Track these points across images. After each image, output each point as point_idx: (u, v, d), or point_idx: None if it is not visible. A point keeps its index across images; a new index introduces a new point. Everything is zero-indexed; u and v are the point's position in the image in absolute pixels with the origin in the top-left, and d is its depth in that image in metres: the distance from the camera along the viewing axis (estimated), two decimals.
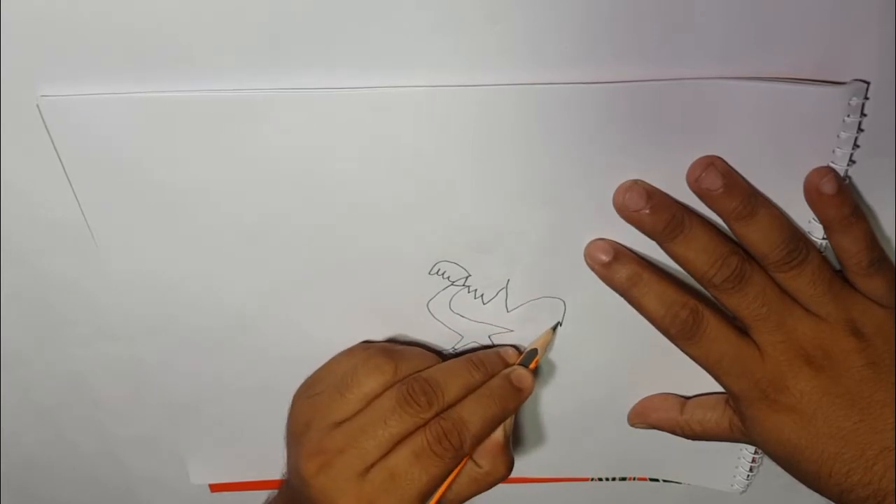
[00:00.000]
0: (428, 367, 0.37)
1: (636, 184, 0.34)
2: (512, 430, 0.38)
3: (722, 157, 0.33)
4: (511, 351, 0.39)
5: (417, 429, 0.35)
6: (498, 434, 0.37)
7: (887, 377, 0.33)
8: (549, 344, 0.39)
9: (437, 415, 0.35)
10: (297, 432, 0.37)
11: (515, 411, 0.38)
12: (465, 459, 0.37)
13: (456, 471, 0.36)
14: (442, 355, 0.40)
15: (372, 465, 0.35)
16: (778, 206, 0.34)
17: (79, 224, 0.36)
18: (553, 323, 0.39)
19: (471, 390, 0.37)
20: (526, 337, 0.40)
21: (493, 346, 0.40)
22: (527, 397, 0.38)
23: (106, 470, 0.49)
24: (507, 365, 0.38)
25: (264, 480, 0.48)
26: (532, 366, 0.38)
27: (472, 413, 0.36)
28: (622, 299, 0.36)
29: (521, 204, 0.35)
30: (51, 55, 0.31)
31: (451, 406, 0.36)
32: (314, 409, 0.37)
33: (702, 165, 0.33)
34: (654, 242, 0.35)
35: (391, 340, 0.40)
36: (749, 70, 0.31)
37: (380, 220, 0.36)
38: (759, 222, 0.33)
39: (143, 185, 0.34)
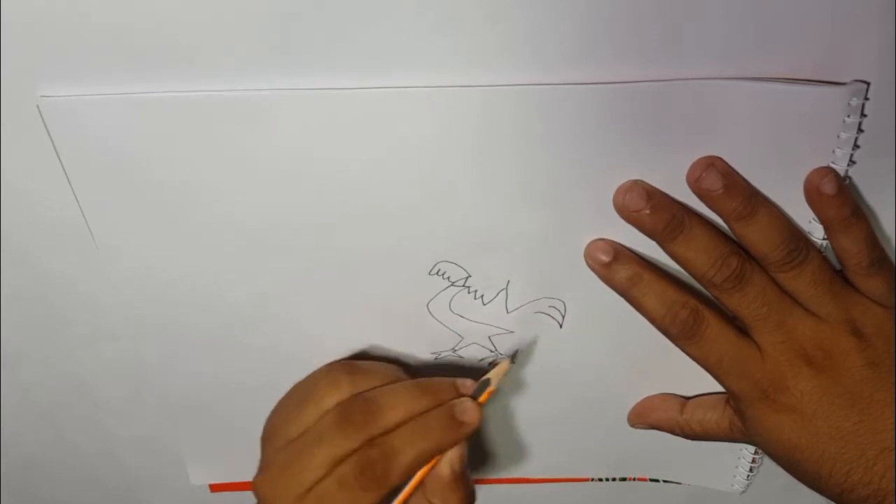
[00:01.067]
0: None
1: (636, 184, 0.34)
2: (463, 463, 0.35)
3: (722, 157, 0.33)
4: (469, 383, 0.36)
5: (352, 453, 0.34)
6: (443, 469, 0.35)
7: (887, 377, 0.33)
8: (504, 375, 0.37)
9: (369, 438, 0.34)
10: (263, 441, 0.38)
11: (454, 445, 0.35)
12: (409, 488, 0.35)
13: (401, 499, 0.35)
14: (411, 372, 0.38)
15: (309, 489, 0.34)
16: (778, 206, 0.34)
17: (79, 224, 0.36)
18: (513, 351, 0.39)
19: (412, 416, 0.34)
20: (526, 338, 0.40)
21: (493, 348, 0.40)
22: (470, 432, 0.35)
23: (106, 470, 0.49)
24: (459, 395, 0.36)
25: None
26: (483, 399, 0.36)
27: (405, 443, 0.34)
28: (622, 299, 0.36)
29: (521, 204, 0.35)
30: (51, 55, 0.31)
31: (388, 430, 0.34)
32: (278, 421, 0.37)
33: (702, 166, 0.33)
34: (654, 242, 0.35)
35: (391, 340, 0.40)
36: (749, 70, 0.31)
37: (380, 220, 0.36)
38: (760, 222, 0.33)
39: (143, 185, 0.34)
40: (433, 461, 0.35)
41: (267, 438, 0.37)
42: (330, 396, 0.35)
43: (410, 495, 0.35)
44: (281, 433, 0.36)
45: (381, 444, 0.34)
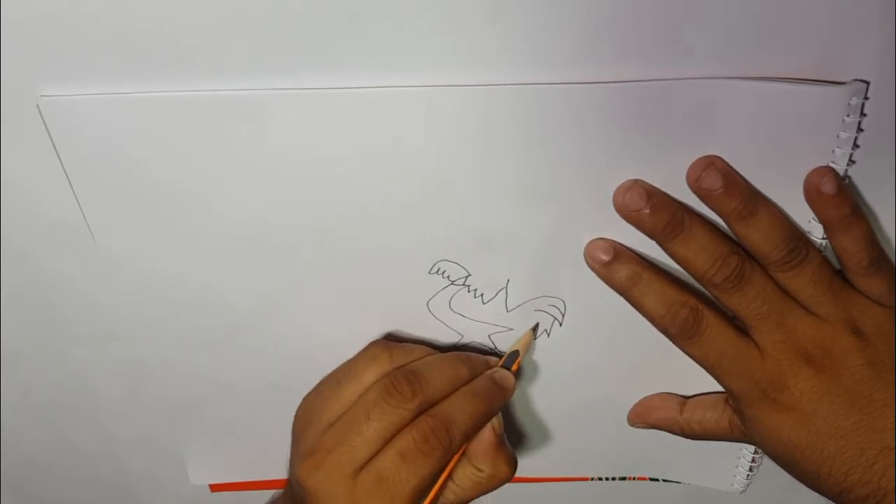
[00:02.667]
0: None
1: (636, 184, 0.34)
2: (502, 429, 0.37)
3: (722, 156, 0.33)
4: (493, 359, 0.39)
5: (404, 425, 0.34)
6: (488, 434, 0.36)
7: (887, 377, 0.33)
8: (529, 345, 0.39)
9: (420, 408, 0.34)
10: (297, 431, 0.37)
11: (500, 409, 0.37)
12: (455, 458, 0.36)
13: (448, 469, 0.36)
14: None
15: (363, 466, 0.34)
16: (778, 206, 0.34)
17: (79, 224, 0.36)
18: (534, 324, 0.39)
19: (456, 385, 0.36)
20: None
21: (493, 347, 0.40)
22: (509, 397, 0.37)
23: (106, 470, 0.49)
24: (490, 367, 0.38)
25: (264, 480, 0.48)
26: (514, 368, 0.38)
27: (460, 410, 0.35)
28: (622, 299, 0.36)
29: (521, 203, 0.35)
30: (51, 55, 0.31)
31: (435, 400, 0.35)
32: (315, 405, 0.36)
33: (702, 165, 0.33)
34: (654, 242, 0.35)
35: (392, 339, 0.40)
36: (749, 70, 0.31)
37: (380, 220, 0.36)
38: (759, 222, 0.33)
39: (142, 185, 0.34)
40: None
41: (303, 426, 0.36)
42: (370, 372, 0.36)
43: (456, 465, 0.36)
44: (321, 417, 0.35)
45: (436, 413, 0.34)
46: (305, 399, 0.38)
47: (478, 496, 0.37)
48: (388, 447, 0.34)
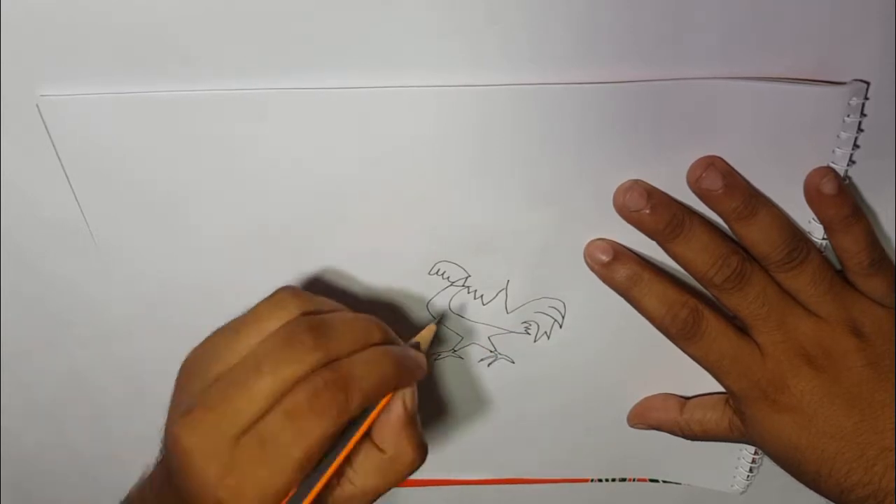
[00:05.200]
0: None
1: (636, 184, 0.34)
2: (416, 404, 0.32)
3: (722, 157, 0.33)
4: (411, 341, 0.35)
5: (302, 378, 0.29)
6: (397, 408, 0.31)
7: (887, 377, 0.33)
8: (431, 338, 0.36)
9: (320, 363, 0.29)
10: (180, 383, 0.32)
11: (410, 383, 0.32)
12: (356, 437, 0.31)
13: (347, 448, 0.30)
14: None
15: (248, 428, 0.28)
16: (778, 206, 0.34)
17: (79, 224, 0.36)
18: (437, 318, 0.37)
19: (367, 346, 0.31)
20: (526, 338, 0.40)
21: (493, 349, 0.40)
22: (420, 378, 0.33)
23: (106, 470, 0.49)
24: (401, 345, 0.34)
25: None
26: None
27: (364, 367, 0.30)
28: (622, 299, 0.36)
29: (520, 204, 0.35)
30: (51, 55, 0.31)
31: (339, 358, 0.30)
32: (205, 355, 0.31)
33: (702, 166, 0.33)
34: (654, 242, 0.35)
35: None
36: (749, 70, 0.31)
37: (379, 221, 0.36)
38: (760, 222, 0.33)
39: (143, 185, 0.34)
40: (386, 399, 0.31)
41: (187, 377, 0.31)
42: (274, 319, 0.30)
43: (356, 445, 0.31)
44: (208, 368, 0.30)
45: (335, 367, 0.29)
46: (194, 349, 0.32)
47: (380, 487, 0.32)
48: (276, 407, 0.29)
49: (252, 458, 0.28)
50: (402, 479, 0.32)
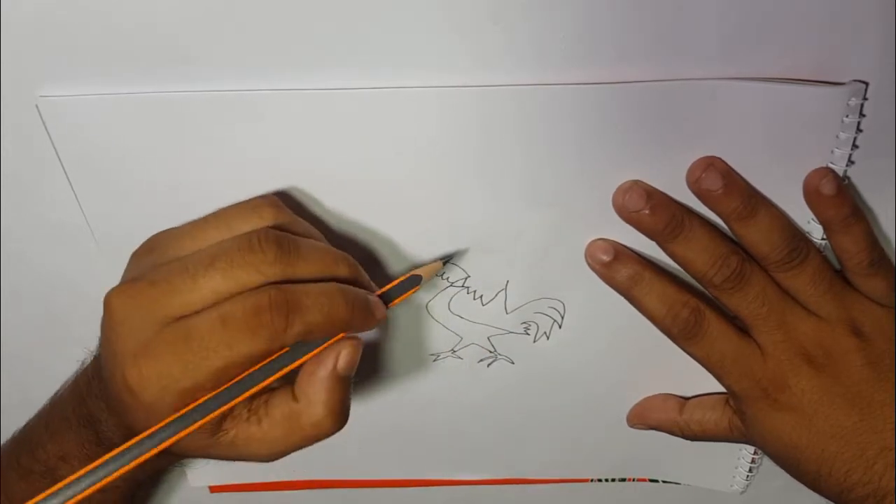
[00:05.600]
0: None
1: (636, 184, 0.34)
2: (352, 365, 0.30)
3: (721, 157, 0.33)
4: (374, 286, 0.33)
5: (243, 291, 0.28)
6: (327, 361, 0.29)
7: (887, 377, 0.33)
8: (433, 273, 0.34)
9: (275, 279, 0.28)
10: (135, 255, 0.31)
11: (360, 330, 0.30)
12: (279, 374, 0.29)
13: (270, 378, 0.29)
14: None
15: (180, 317, 0.28)
16: (778, 207, 0.34)
17: (79, 224, 0.36)
18: (443, 257, 0.36)
19: (327, 279, 0.30)
20: (526, 338, 0.40)
21: (493, 349, 0.40)
22: (373, 326, 0.31)
23: None
24: (371, 291, 0.32)
25: (264, 482, 0.48)
26: (402, 297, 0.33)
27: (315, 300, 0.28)
28: (622, 299, 0.36)
29: (520, 204, 0.35)
30: (51, 55, 0.31)
31: (295, 280, 0.29)
32: (167, 237, 0.30)
33: (702, 166, 0.33)
34: (654, 243, 0.35)
35: (390, 340, 0.40)
36: (748, 70, 0.31)
37: (379, 221, 0.36)
38: (760, 223, 0.33)
39: (142, 185, 0.34)
40: (333, 340, 0.30)
41: (144, 252, 0.30)
42: (246, 223, 0.30)
43: (280, 382, 0.29)
44: (166, 250, 0.29)
45: (285, 289, 0.28)
46: (163, 230, 0.31)
47: (281, 441, 0.30)
48: (214, 307, 0.28)
49: (170, 349, 0.27)
50: (307, 441, 0.30)
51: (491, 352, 0.41)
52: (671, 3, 0.30)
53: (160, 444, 0.28)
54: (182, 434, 0.28)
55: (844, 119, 0.31)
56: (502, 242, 0.36)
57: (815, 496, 0.35)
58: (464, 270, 0.37)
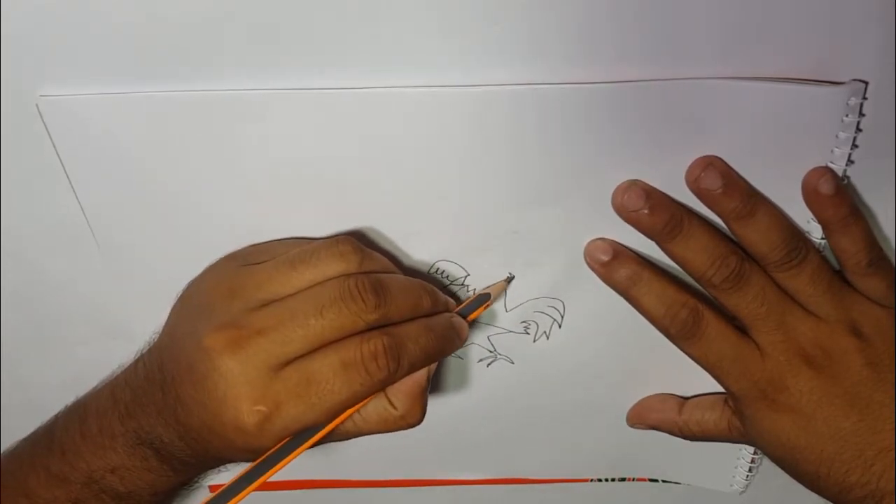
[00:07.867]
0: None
1: (635, 184, 0.34)
2: (431, 376, 0.34)
3: (721, 156, 0.33)
4: (452, 303, 0.36)
5: (352, 335, 0.31)
6: (421, 376, 0.33)
7: (887, 377, 0.33)
8: (501, 293, 0.38)
9: (377, 324, 0.31)
10: (211, 298, 0.32)
11: (449, 354, 0.35)
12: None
13: (369, 397, 0.32)
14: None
15: (291, 361, 0.30)
16: (777, 206, 0.34)
17: (79, 224, 0.36)
18: (510, 277, 0.38)
19: (416, 314, 0.33)
20: (526, 338, 0.40)
21: (492, 349, 0.40)
22: (460, 346, 0.35)
23: None
24: (449, 310, 0.35)
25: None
26: (476, 313, 0.36)
27: (415, 340, 0.32)
28: (621, 299, 0.36)
29: (520, 204, 0.35)
30: (51, 55, 0.31)
31: (392, 322, 0.32)
32: (250, 276, 0.32)
33: (701, 165, 0.33)
34: (653, 243, 0.35)
35: None
36: (748, 70, 0.31)
37: (379, 220, 0.36)
38: (759, 222, 0.33)
39: (142, 185, 0.34)
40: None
41: (224, 294, 0.32)
42: (335, 266, 0.32)
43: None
44: (255, 293, 0.31)
45: (393, 334, 0.31)
46: (224, 266, 0.34)
47: (375, 433, 0.34)
48: (331, 351, 0.30)
49: (291, 391, 0.29)
50: (394, 431, 0.34)
51: (491, 351, 0.41)
52: (670, 3, 0.30)
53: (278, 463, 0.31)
54: (294, 455, 0.31)
55: (844, 119, 0.31)
56: (501, 242, 0.36)
57: (814, 496, 0.35)
58: (463, 269, 0.37)
